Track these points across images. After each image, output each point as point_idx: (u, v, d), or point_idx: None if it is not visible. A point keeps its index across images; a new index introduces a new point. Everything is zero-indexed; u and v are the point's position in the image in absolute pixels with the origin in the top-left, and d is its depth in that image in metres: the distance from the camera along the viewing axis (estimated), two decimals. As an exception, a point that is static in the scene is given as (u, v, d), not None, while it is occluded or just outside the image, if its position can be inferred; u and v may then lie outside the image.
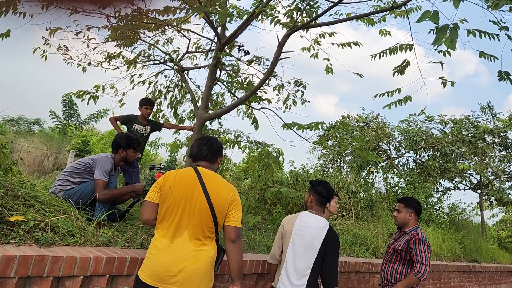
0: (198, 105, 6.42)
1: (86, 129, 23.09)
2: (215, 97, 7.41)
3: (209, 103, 6.51)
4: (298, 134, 5.99)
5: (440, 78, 5.95)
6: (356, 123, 12.33)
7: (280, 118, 5.95)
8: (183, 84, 7.14)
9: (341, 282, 4.92)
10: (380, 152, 12.55)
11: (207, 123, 6.30)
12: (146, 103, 5.58)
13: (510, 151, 14.98)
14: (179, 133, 7.51)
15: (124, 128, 5.90)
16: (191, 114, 7.34)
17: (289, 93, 6.84)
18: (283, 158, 5.98)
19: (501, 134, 14.14)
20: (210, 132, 6.46)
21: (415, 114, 13.29)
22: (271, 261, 3.42)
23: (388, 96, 6.23)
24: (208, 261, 2.53)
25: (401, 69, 6.05)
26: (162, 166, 4.11)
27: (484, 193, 14.56)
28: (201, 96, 6.69)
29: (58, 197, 3.45)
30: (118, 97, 7.25)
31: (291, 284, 3.09)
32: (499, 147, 14.80)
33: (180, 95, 7.50)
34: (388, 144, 12.97)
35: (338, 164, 12.22)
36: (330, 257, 3.19)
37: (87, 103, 6.84)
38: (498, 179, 14.53)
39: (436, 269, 7.31)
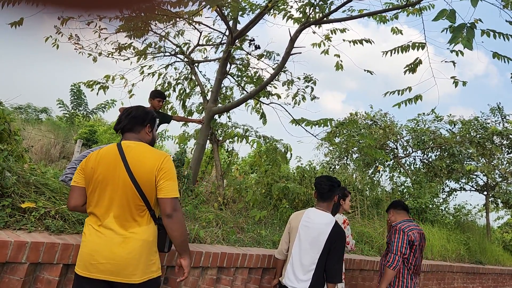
0: (207, 98, 6.42)
1: (94, 119, 23.20)
2: (224, 90, 7.41)
3: (218, 97, 6.50)
4: (306, 130, 5.98)
5: (452, 77, 5.91)
6: (364, 121, 12.28)
7: (289, 113, 5.95)
8: (193, 77, 7.14)
9: (346, 279, 4.92)
10: (387, 151, 12.50)
11: (216, 116, 6.31)
12: (159, 95, 5.56)
13: (518, 153, 14.87)
14: (188, 126, 7.53)
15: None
16: (200, 107, 7.35)
17: (298, 89, 6.83)
18: (291, 154, 5.98)
19: (510, 136, 14.03)
20: (219, 125, 6.46)
21: (424, 113, 13.21)
22: (279, 256, 3.43)
23: (399, 94, 6.19)
24: (139, 245, 2.25)
25: (413, 68, 6.01)
26: (172, 158, 4.12)
27: (490, 195, 14.47)
28: (210, 89, 6.69)
29: (68, 186, 3.47)
30: (127, 88, 7.27)
31: (297, 279, 3.11)
32: (507, 149, 14.69)
33: (189, 87, 7.50)
34: (396, 143, 12.91)
35: (345, 162, 12.20)
36: (334, 253, 3.20)
37: (97, 93, 6.87)
38: (505, 181, 14.44)
39: (440, 269, 7.30)
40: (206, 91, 6.78)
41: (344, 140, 9.34)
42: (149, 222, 2.33)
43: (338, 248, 3.23)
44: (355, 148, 10.42)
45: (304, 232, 3.19)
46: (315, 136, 6.09)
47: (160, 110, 5.97)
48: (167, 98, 7.67)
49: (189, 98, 7.47)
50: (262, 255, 3.86)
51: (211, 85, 6.69)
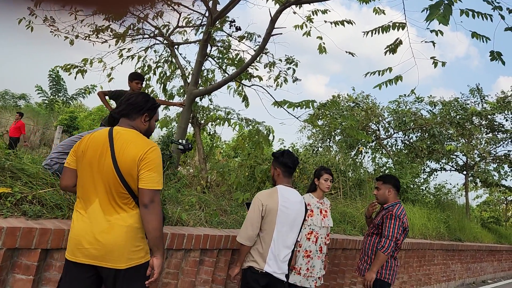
0: (188, 81, 6.34)
1: (74, 105, 22.78)
2: (206, 73, 7.32)
3: (200, 79, 6.43)
4: (288, 112, 5.97)
5: (431, 58, 5.95)
6: (346, 103, 12.35)
7: (271, 95, 5.92)
8: (173, 60, 7.03)
9: (329, 259, 5.00)
10: (369, 132, 12.62)
11: (197, 99, 6.24)
12: (137, 77, 5.46)
13: (496, 133, 15.20)
14: (169, 109, 7.44)
15: (112, 104, 5.81)
16: (181, 90, 7.26)
17: (280, 71, 6.79)
18: (273, 136, 5.98)
19: (489, 116, 14.30)
20: (201, 108, 6.40)
21: (405, 95, 13.34)
22: (249, 243, 3.03)
23: (379, 75, 6.21)
24: (124, 231, 2.22)
25: (393, 48, 6.02)
26: (181, 142, 4.00)
27: (469, 175, 14.80)
28: (191, 72, 6.60)
29: (50, 170, 3.40)
30: (106, 72, 7.12)
31: (277, 262, 3.04)
32: (486, 129, 14.99)
33: (170, 70, 7.39)
34: (378, 125, 13.04)
35: (328, 144, 12.28)
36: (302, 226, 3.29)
37: (75, 77, 6.71)
38: (483, 160, 14.77)
39: (421, 247, 7.47)
40: (186, 74, 6.69)
41: (327, 123, 9.38)
42: (135, 209, 2.29)
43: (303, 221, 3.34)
44: (338, 130, 10.48)
45: (284, 213, 3.06)
46: (297, 118, 6.09)
47: (140, 93, 5.87)
48: (147, 82, 7.55)
49: (170, 81, 7.37)
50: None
51: (192, 68, 6.60)
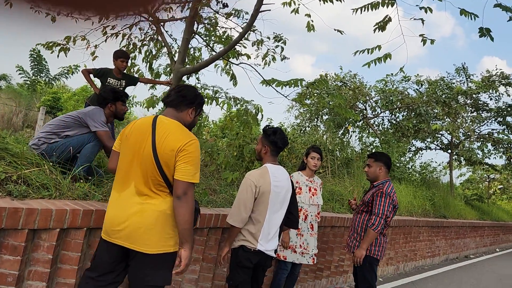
0: (175, 59, 6.21)
1: (57, 85, 22.29)
2: (192, 51, 7.18)
3: (186, 58, 6.31)
4: (277, 91, 5.92)
5: (420, 35, 5.92)
6: (334, 82, 12.31)
7: (259, 73, 5.84)
8: (159, 37, 6.87)
9: (318, 236, 5.04)
10: (356, 112, 12.65)
11: (184, 78, 6.13)
12: (121, 55, 5.33)
13: (480, 112, 15.40)
14: (155, 89, 7.32)
15: (97, 82, 5.67)
16: (168, 69, 7.13)
17: (268, 49, 6.70)
18: (262, 115, 5.93)
19: (474, 95, 14.46)
20: (188, 87, 6.30)
21: (392, 74, 13.36)
22: (240, 225, 2.99)
23: (368, 53, 6.17)
24: (156, 215, 2.27)
25: (382, 26, 5.97)
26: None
27: (454, 153, 15.04)
28: (177, 50, 6.46)
29: (37, 150, 3.31)
30: (90, 50, 6.92)
31: (268, 240, 3.05)
32: (470, 108, 15.17)
33: (156, 48, 7.23)
34: (365, 104, 13.07)
35: (315, 123, 12.29)
36: (295, 200, 3.29)
37: (57, 55, 6.51)
38: (468, 139, 14.98)
39: (407, 224, 7.60)
40: (173, 52, 6.55)
41: (315, 102, 9.36)
42: (169, 196, 2.34)
43: (295, 194, 3.34)
44: (325, 110, 10.48)
45: (275, 193, 3.04)
46: (286, 97, 6.05)
47: (125, 72, 5.75)
48: (133, 61, 7.37)
49: (156, 60, 7.22)
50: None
51: (178, 46, 6.46)
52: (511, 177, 16.46)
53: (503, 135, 14.92)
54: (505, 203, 23.71)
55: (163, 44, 6.80)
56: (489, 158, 15.69)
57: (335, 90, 11.25)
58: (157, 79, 7.00)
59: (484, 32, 4.41)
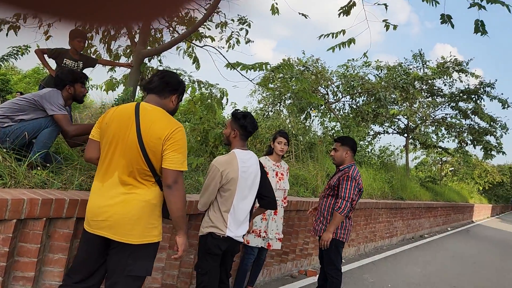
0: (136, 40, 5.96)
1: (5, 67, 21.01)
2: (153, 32, 6.91)
3: (148, 39, 6.06)
4: (242, 75, 5.83)
5: (383, 21, 5.99)
6: (297, 67, 12.33)
7: (224, 56, 5.73)
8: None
9: (283, 220, 5.07)
10: (318, 96, 12.77)
11: (146, 60, 5.90)
12: (79, 35, 5.02)
13: (435, 97, 15.98)
14: (115, 71, 7.01)
15: (52, 64, 5.33)
16: (128, 50, 6.83)
17: (232, 32, 6.56)
18: (227, 99, 5.83)
19: (429, 81, 14.95)
20: (150, 70, 6.07)
21: (353, 59, 13.55)
22: (204, 208, 3.05)
23: (333, 37, 6.20)
24: (141, 206, 2.24)
25: (346, 10, 5.99)
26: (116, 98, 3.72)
27: (410, 137, 15.57)
28: (138, 30, 6.20)
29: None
30: (43, 29, 6.50)
31: (236, 225, 3.01)
32: (426, 94, 15.70)
33: (114, 29, 6.89)
34: (327, 89, 13.21)
35: (278, 108, 12.30)
36: (266, 183, 3.25)
37: (6, 34, 6.07)
38: (423, 123, 15.54)
39: (367, 206, 7.80)
40: (133, 33, 6.27)
41: (279, 86, 9.33)
42: (154, 186, 2.32)
43: (266, 177, 3.30)
44: (289, 94, 10.49)
45: (244, 179, 3.00)
46: (251, 81, 5.98)
47: (82, 52, 5.44)
48: (89, 41, 7.00)
49: (115, 40, 6.89)
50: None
51: (139, 26, 6.19)
52: (462, 159, 17.25)
53: (456, 120, 15.61)
54: (456, 184, 24.97)
55: (122, 24, 6.49)
56: (443, 142, 16.40)
57: (298, 74, 11.28)
58: (117, 61, 6.70)
59: (446, 19, 4.50)
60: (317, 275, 5.38)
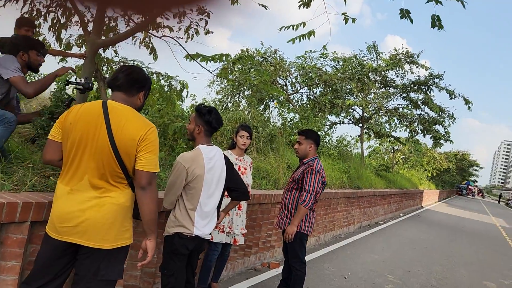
0: (89, 29, 5.66)
1: None
2: (107, 21, 6.58)
3: (102, 29, 5.78)
4: (202, 66, 5.71)
5: (343, 14, 6.04)
6: (255, 58, 12.28)
7: (183, 47, 5.57)
8: (69, 4, 6.18)
9: (246, 214, 5.05)
10: (277, 88, 12.81)
11: (100, 50, 5.63)
12: (26, 23, 4.68)
13: (388, 88, 16.52)
14: (66, 61, 6.62)
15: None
16: (80, 40, 6.48)
17: (191, 22, 6.38)
18: (188, 92, 5.68)
19: (382, 72, 15.41)
20: (105, 61, 5.80)
21: (311, 50, 13.68)
22: (171, 207, 2.97)
23: (293, 29, 6.19)
24: (115, 209, 2.17)
25: (307, 2, 5.99)
26: (79, 81, 3.49)
27: (365, 127, 16.03)
28: (91, 19, 5.88)
29: None
30: (-16, 15, 6.02)
31: (204, 223, 2.94)
32: (380, 85, 16.19)
33: (65, 17, 6.51)
34: (285, 80, 13.27)
35: (237, 99, 12.23)
36: (234, 175, 3.23)
37: None
38: (377, 114, 16.03)
39: (327, 196, 7.94)
40: (86, 21, 5.94)
41: (238, 77, 9.25)
42: (127, 188, 2.25)
43: (234, 169, 3.28)
44: (248, 85, 10.43)
45: (210, 175, 2.94)
46: (211, 73, 5.86)
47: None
48: (37, 29, 6.57)
49: (66, 29, 6.51)
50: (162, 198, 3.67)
51: (92, 15, 5.88)
52: (413, 148, 18.00)
53: (407, 110, 16.22)
54: (407, 171, 26.05)
55: (73, 11, 6.13)
56: (395, 131, 17.02)
57: (256, 65, 11.23)
58: (69, 51, 6.34)
59: (404, 13, 4.59)
60: (280, 267, 5.42)
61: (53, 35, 6.65)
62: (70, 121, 2.18)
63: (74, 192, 2.14)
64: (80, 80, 3.49)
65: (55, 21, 6.60)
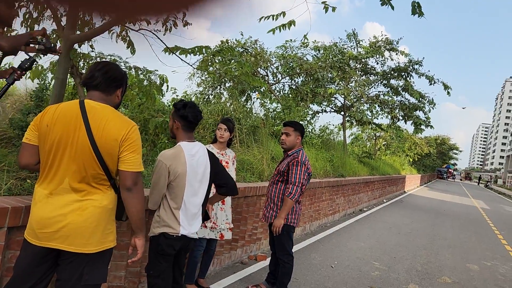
0: (63, 24, 5.48)
1: None
2: (82, 15, 6.39)
3: (77, 23, 5.60)
4: (181, 59, 5.59)
5: (323, 2, 5.99)
6: (235, 49, 12.15)
7: (161, 40, 5.44)
8: (40, -2, 5.98)
9: (232, 208, 5.01)
10: (259, 78, 12.72)
11: (76, 45, 5.46)
12: (-5, 19, 4.51)
13: (369, 75, 16.61)
14: (41, 57, 6.42)
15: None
16: (54, 35, 6.28)
17: (169, 14, 6.24)
18: (168, 86, 5.57)
19: (363, 60, 15.47)
20: (81, 56, 5.63)
21: (291, 40, 13.61)
22: (154, 207, 2.89)
23: (273, 19, 6.12)
24: (98, 212, 2.11)
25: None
26: (39, 41, 3.28)
27: (347, 115, 16.10)
28: (65, 13, 5.70)
29: None
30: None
31: (189, 221, 2.89)
32: (360, 73, 16.26)
33: (37, 11, 6.30)
34: (266, 70, 13.19)
35: (219, 91, 12.11)
36: (220, 170, 3.17)
37: None
38: (359, 101, 16.12)
39: (311, 186, 7.96)
40: (59, 16, 5.76)
41: (219, 69, 9.14)
42: (109, 189, 2.20)
43: (219, 164, 3.22)
44: (229, 76, 10.33)
45: (193, 173, 2.87)
46: (191, 65, 5.76)
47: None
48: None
49: (38, 24, 6.29)
50: (147, 196, 3.59)
51: (66, 9, 5.69)
52: (395, 134, 18.20)
53: (388, 97, 16.36)
54: (389, 157, 26.38)
55: (45, 6, 5.93)
56: (377, 118, 17.16)
57: (237, 56, 11.10)
58: (42, 47, 6.13)
59: (385, 0, 4.57)
60: (267, 259, 5.42)
61: (26, 30, 6.42)
62: (46, 123, 2.10)
63: (54, 196, 2.08)
64: (41, 40, 3.26)
65: (27, 16, 6.38)
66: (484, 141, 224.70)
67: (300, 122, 4.41)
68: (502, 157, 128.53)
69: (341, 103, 16.16)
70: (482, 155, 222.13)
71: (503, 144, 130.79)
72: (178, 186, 2.82)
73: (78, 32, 5.54)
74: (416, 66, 15.62)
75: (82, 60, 5.68)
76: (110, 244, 2.22)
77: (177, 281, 3.03)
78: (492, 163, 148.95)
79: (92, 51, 5.84)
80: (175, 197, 2.83)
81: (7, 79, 3.05)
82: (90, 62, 5.64)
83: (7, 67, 3.52)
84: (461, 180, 58.18)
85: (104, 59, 5.57)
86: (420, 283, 5.59)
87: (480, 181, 69.58)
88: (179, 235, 2.82)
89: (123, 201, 2.21)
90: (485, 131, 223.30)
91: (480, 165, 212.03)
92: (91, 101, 2.17)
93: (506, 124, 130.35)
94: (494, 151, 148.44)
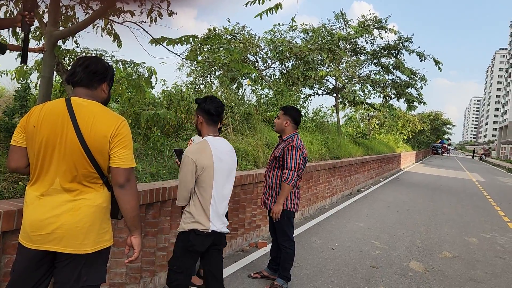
0: (45, 20, 5.36)
1: None
2: (64, 10, 6.25)
3: (59, 19, 5.47)
4: (169, 50, 5.50)
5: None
6: (223, 36, 12.00)
7: (147, 32, 5.35)
8: (20, -5, 5.83)
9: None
10: (249, 65, 12.61)
11: (60, 42, 5.35)
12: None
13: (359, 55, 16.52)
14: (25, 56, 6.29)
15: None
16: (37, 33, 6.15)
17: (153, 4, 6.11)
18: (156, 78, 5.49)
19: (352, 40, 15.37)
20: (66, 53, 5.52)
21: (279, 24, 13.46)
22: (183, 203, 2.88)
23: (259, 4, 6.02)
24: (92, 212, 2.07)
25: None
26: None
27: (339, 96, 16.06)
28: (46, 9, 5.57)
29: None
30: None
31: (219, 216, 2.89)
32: (350, 53, 16.17)
33: (18, 8, 6.15)
34: (256, 56, 13.07)
35: (209, 80, 11.99)
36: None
37: None
38: (351, 82, 16.06)
39: (308, 170, 7.95)
40: (41, 12, 5.62)
41: (207, 57, 9.03)
42: (102, 188, 2.14)
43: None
44: (219, 64, 10.22)
45: (220, 167, 2.86)
46: (179, 56, 5.67)
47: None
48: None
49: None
50: (143, 191, 3.56)
51: (47, 5, 5.56)
52: (388, 113, 18.21)
53: (380, 76, 16.31)
54: (383, 136, 26.45)
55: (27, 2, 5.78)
56: (370, 98, 17.13)
57: (225, 44, 10.98)
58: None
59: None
60: (268, 245, 5.43)
61: (8, 30, 6.29)
62: (33, 124, 2.05)
63: (46, 197, 2.03)
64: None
65: (8, 14, 6.23)
66: (476, 114, 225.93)
67: (297, 109, 4.37)
68: (495, 129, 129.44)
69: (333, 85, 16.10)
70: (475, 128, 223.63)
71: (495, 116, 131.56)
72: (206, 180, 2.81)
73: (61, 28, 5.42)
74: (406, 43, 15.55)
75: (68, 56, 5.57)
76: (106, 243, 2.17)
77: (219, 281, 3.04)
78: (485, 136, 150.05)
79: (77, 47, 5.74)
80: (203, 192, 2.82)
81: (22, 28, 2.95)
82: (76, 58, 5.54)
83: None
84: (480, 159, 57.64)
85: (89, 54, 5.46)
86: (421, 259, 5.63)
87: (475, 154, 70.16)
88: (210, 231, 2.81)
89: (116, 198, 2.16)
90: (477, 104, 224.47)
91: (474, 138, 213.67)
92: (77, 98, 2.11)
93: (497, 96, 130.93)
94: (487, 124, 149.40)
